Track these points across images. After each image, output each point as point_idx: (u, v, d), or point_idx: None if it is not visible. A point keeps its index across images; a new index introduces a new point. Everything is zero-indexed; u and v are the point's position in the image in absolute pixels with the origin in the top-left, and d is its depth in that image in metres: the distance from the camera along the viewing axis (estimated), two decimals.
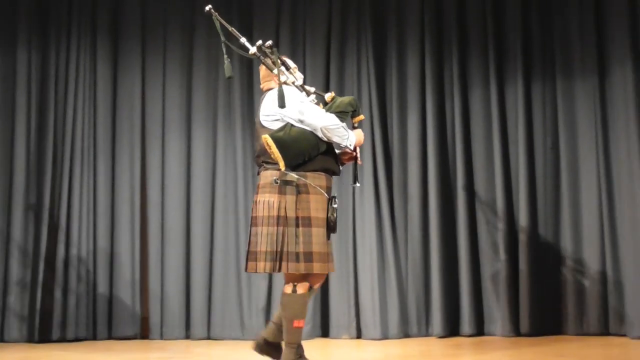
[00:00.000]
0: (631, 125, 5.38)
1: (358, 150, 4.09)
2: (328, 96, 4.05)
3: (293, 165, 3.80)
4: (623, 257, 5.42)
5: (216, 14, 3.88)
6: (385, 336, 5.64)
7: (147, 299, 5.98)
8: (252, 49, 3.88)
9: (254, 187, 5.82)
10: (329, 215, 3.85)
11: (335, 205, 3.86)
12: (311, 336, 5.69)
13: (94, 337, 5.83)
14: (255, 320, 5.82)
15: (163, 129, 6.11)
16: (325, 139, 3.87)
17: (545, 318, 5.57)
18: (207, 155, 6.07)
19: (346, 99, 4.05)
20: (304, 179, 3.81)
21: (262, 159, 3.92)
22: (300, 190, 3.80)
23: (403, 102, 5.92)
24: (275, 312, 4.11)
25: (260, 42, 3.91)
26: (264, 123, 3.88)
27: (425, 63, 5.89)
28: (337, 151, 4.04)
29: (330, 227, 3.86)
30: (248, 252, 3.91)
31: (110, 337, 5.87)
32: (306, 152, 3.82)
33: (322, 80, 5.97)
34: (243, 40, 3.91)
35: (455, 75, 5.86)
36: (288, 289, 3.86)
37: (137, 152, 6.07)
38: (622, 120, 5.46)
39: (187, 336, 5.89)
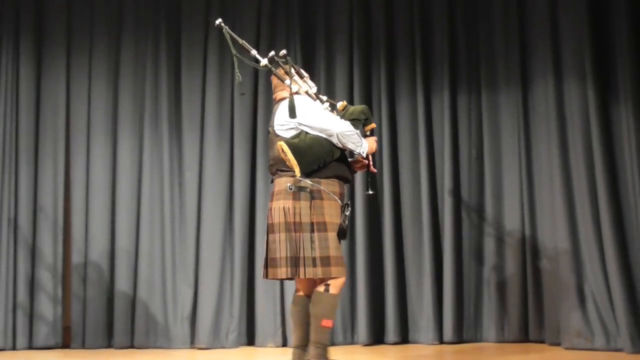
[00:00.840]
0: (552, 136, 5.53)
1: (371, 158, 4.16)
2: (340, 105, 4.15)
3: (308, 171, 3.86)
4: (543, 265, 5.58)
5: (226, 27, 3.93)
6: None
7: (69, 308, 5.92)
8: (264, 61, 3.94)
9: (180, 192, 5.96)
10: (340, 221, 3.91)
11: (347, 212, 3.93)
12: (237, 344, 5.74)
13: (14, 347, 5.74)
14: (180, 328, 5.82)
15: (88, 133, 6.04)
16: (340, 146, 3.95)
17: (467, 326, 5.74)
18: (133, 160, 6.03)
19: (359, 107, 4.16)
20: (317, 185, 3.88)
21: (276, 167, 3.99)
22: (314, 196, 3.87)
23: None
24: (293, 336, 4.10)
25: (272, 53, 3.98)
26: (279, 132, 3.94)
27: (353, 73, 5.97)
28: (349, 159, 4.12)
29: (341, 233, 3.92)
30: (267, 259, 3.97)
31: (30, 347, 5.79)
32: (321, 159, 3.89)
33: (251, 88, 5.99)
34: (254, 52, 3.97)
35: (382, 85, 5.95)
36: (320, 288, 3.93)
37: (60, 157, 6.00)
38: (543, 131, 5.62)
39: (110, 345, 5.84)
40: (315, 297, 3.93)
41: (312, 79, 5.75)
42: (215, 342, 5.76)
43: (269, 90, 5.85)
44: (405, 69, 5.99)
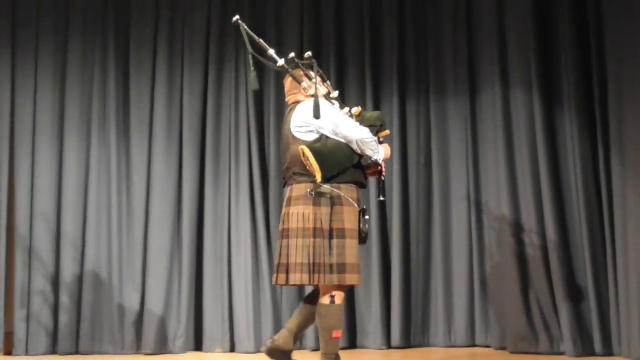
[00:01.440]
0: (499, 143, 5.63)
1: (383, 164, 4.19)
2: (355, 110, 4.14)
3: (328, 176, 3.87)
4: (489, 270, 5.68)
5: (244, 24, 3.89)
6: (258, 349, 5.66)
7: (11, 314, 5.82)
8: (280, 61, 3.92)
9: (128, 196, 5.92)
10: (360, 226, 3.92)
11: (367, 217, 3.95)
12: (184, 350, 5.74)
13: None
14: (127, 333, 5.79)
15: (33, 136, 5.95)
16: (358, 152, 3.97)
17: (415, 330, 5.82)
18: (79, 164, 5.97)
19: (374, 113, 4.16)
20: (337, 191, 3.89)
21: (293, 171, 3.97)
22: (334, 202, 3.87)
23: (280, 115, 5.95)
24: (291, 319, 4.15)
25: (292, 54, 3.99)
26: (297, 134, 3.93)
27: None
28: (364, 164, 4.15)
29: (362, 238, 3.94)
30: (278, 264, 3.95)
31: None
32: (341, 164, 3.91)
33: (200, 90, 6.01)
34: (271, 51, 3.94)
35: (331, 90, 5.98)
36: (325, 299, 3.91)
37: (4, 160, 5.90)
38: (490, 138, 5.73)
39: (54, 351, 5.77)
40: (323, 310, 3.93)
41: (261, 83, 5.92)
42: (162, 348, 5.74)
43: (218, 94, 6.04)
44: (355, 75, 6.05)
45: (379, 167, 4.17)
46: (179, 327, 5.78)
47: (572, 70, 5.40)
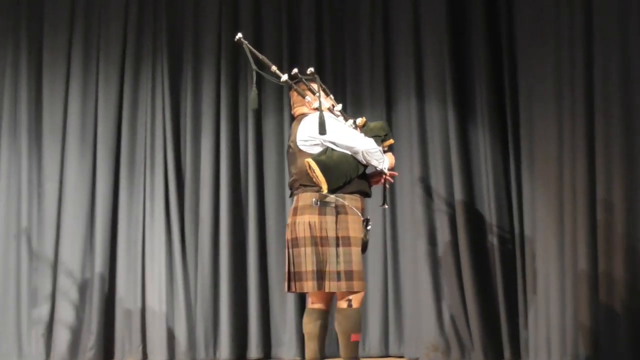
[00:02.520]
0: (414, 154, 5.72)
1: (388, 173, 4.23)
2: (360, 121, 4.20)
3: (335, 187, 3.93)
4: (403, 281, 5.78)
5: (246, 42, 3.94)
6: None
7: None
8: (284, 77, 4.00)
9: (39, 204, 5.86)
10: (362, 235, 3.99)
11: (369, 227, 4.01)
12: None
13: None
14: (35, 346, 5.74)
15: None
16: (364, 162, 4.03)
17: (329, 341, 5.66)
18: None
19: (378, 123, 4.25)
20: (342, 200, 3.95)
21: (299, 182, 4.03)
22: (339, 211, 3.94)
23: (197, 126, 6.03)
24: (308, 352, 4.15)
25: (295, 70, 4.05)
26: (303, 148, 3.99)
27: (221, 88, 6.02)
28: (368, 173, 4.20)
29: (364, 247, 4.00)
30: (292, 272, 4.02)
31: None
32: (347, 175, 3.97)
33: (116, 97, 6.01)
34: (274, 68, 4.01)
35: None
36: (343, 304, 3.99)
37: None
38: (406, 148, 5.79)
39: None
40: (341, 314, 4.02)
41: (178, 95, 5.95)
42: (73, 359, 5.70)
43: (134, 102, 6.02)
44: (272, 85, 5.81)
45: (383, 176, 4.24)
46: (90, 338, 5.72)
47: (485, 85, 5.57)
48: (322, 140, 3.97)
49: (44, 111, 5.98)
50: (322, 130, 3.86)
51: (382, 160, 4.12)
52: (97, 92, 5.99)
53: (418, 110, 5.79)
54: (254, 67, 3.91)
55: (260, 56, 4.03)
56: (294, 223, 4.01)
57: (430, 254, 5.66)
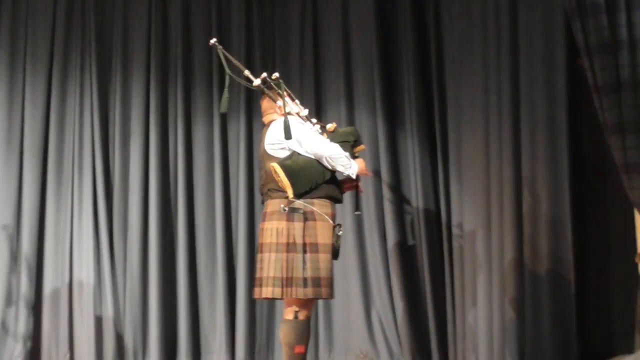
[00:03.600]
0: None
1: (360, 178, 4.30)
2: (330, 127, 4.26)
3: (301, 192, 3.97)
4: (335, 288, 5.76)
5: (221, 47, 4.01)
6: None
7: None
8: (257, 81, 4.06)
9: None
10: (333, 241, 4.03)
11: (340, 233, 4.06)
12: None
13: None
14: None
15: None
16: (329, 168, 4.06)
17: (260, 348, 5.93)
18: None
19: (348, 129, 4.33)
20: (310, 207, 3.98)
21: (267, 187, 4.07)
22: (307, 217, 3.97)
23: (126, 131, 6.03)
24: None
25: (265, 74, 4.10)
26: (270, 152, 4.04)
27: (150, 92, 6.02)
28: (340, 179, 4.23)
29: (334, 253, 4.05)
30: (256, 278, 4.07)
31: None
32: (313, 180, 4.01)
33: (43, 99, 5.97)
34: (247, 72, 4.09)
35: (179, 107, 6.04)
36: (289, 314, 4.02)
37: None
38: None
39: None
40: (287, 325, 4.05)
41: (107, 99, 5.96)
42: None
43: (62, 105, 6.02)
44: (202, 91, 6.14)
45: (355, 182, 4.29)
46: (16, 347, 5.69)
47: (414, 92, 5.69)
48: (288, 145, 4.03)
49: None
50: (288, 134, 3.93)
51: (348, 166, 4.15)
52: (23, 94, 5.96)
53: (348, 117, 5.90)
54: (227, 71, 3.99)
55: (234, 60, 4.12)
56: (262, 229, 4.07)
57: (359, 260, 5.78)
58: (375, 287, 5.70)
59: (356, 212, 4.59)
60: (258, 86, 4.11)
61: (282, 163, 4.00)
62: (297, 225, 3.99)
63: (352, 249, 5.76)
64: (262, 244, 4.07)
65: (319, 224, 4.03)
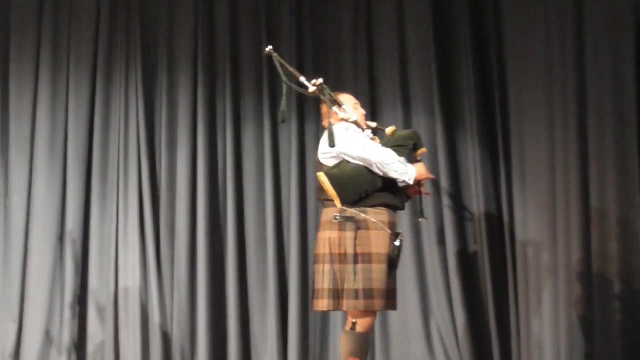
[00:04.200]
0: None
1: (425, 183, 4.28)
2: (389, 130, 4.24)
3: (350, 202, 3.97)
4: None
5: (277, 55, 4.00)
6: None
7: None
8: (312, 88, 4.02)
9: (5, 217, 5.88)
10: (389, 251, 3.99)
11: (397, 243, 3.99)
12: None
13: None
14: None
15: None
16: (381, 174, 4.01)
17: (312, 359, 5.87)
18: None
19: (405, 132, 4.27)
20: (364, 215, 3.96)
21: (322, 197, 4.08)
22: (359, 226, 3.95)
23: (173, 136, 6.03)
24: None
25: (321, 80, 4.06)
26: (322, 160, 4.06)
27: (198, 96, 6.01)
28: (402, 185, 4.18)
29: (391, 263, 4.01)
30: (313, 290, 4.10)
31: None
32: (362, 189, 3.99)
33: (87, 105, 6.00)
34: (302, 79, 4.04)
35: (228, 110, 6.00)
36: (348, 325, 4.01)
37: None
38: None
39: None
40: (344, 336, 4.05)
41: (152, 104, 6.00)
42: None
43: (107, 110, 6.04)
44: (252, 94, 6.10)
45: (418, 187, 4.24)
46: (60, 357, 5.72)
47: (474, 93, 5.62)
48: (337, 153, 4.02)
49: (10, 120, 5.98)
50: (332, 142, 3.91)
51: (403, 172, 4.10)
52: (67, 100, 5.96)
53: (404, 119, 5.82)
54: (284, 79, 3.95)
55: (290, 68, 4.07)
56: (318, 239, 4.08)
57: (417, 268, 5.72)
58: (434, 296, 5.64)
59: (420, 219, 4.50)
60: (313, 93, 4.07)
61: (329, 172, 4.01)
62: (349, 235, 3.97)
63: (410, 257, 5.68)
64: (317, 255, 4.08)
65: (372, 232, 4.01)
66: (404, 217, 5.47)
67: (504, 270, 5.44)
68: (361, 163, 4.02)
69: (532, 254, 5.23)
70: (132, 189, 5.91)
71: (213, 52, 6.11)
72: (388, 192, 4.11)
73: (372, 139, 4.19)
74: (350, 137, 4.06)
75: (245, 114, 6.08)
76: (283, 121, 4.07)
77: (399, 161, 4.07)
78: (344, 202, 3.97)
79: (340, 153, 4.02)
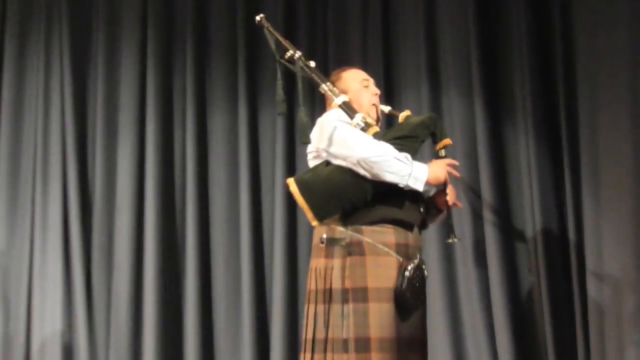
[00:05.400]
0: (425, 161, 5.28)
1: (452, 191, 3.77)
2: (402, 116, 3.88)
3: (327, 216, 3.57)
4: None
5: (269, 24, 3.80)
6: None
7: None
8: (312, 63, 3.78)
9: None
10: (397, 284, 3.55)
11: (407, 273, 3.52)
12: None
13: None
14: None
15: None
16: (371, 178, 3.59)
17: None
18: None
19: (418, 118, 3.85)
20: (358, 235, 3.54)
21: None
22: (351, 250, 3.54)
23: (111, 127, 5.68)
24: None
25: (299, 53, 3.81)
26: (310, 163, 3.82)
27: (147, 70, 5.66)
28: (426, 191, 3.76)
29: (400, 302, 3.54)
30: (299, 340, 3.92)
31: None
32: (344, 199, 3.55)
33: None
34: (298, 54, 3.76)
35: (189, 91, 5.64)
36: None
37: None
38: None
39: None
40: None
41: (85, 76, 5.75)
42: None
43: (17, 93, 5.77)
44: (221, 71, 5.73)
45: (443, 194, 3.80)
46: None
47: (529, 73, 5.12)
48: (316, 149, 3.71)
49: None
50: (301, 135, 3.62)
51: (405, 173, 3.56)
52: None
53: (431, 103, 5.36)
54: (277, 58, 3.74)
55: (284, 41, 3.78)
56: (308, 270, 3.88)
57: (448, 306, 5.26)
58: (472, 345, 5.17)
59: (448, 240, 3.84)
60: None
61: (299, 177, 3.66)
62: (336, 263, 3.56)
63: (438, 291, 5.22)
64: (306, 292, 3.74)
65: (369, 259, 3.52)
66: (430, 235, 5.10)
67: (570, 313, 4.94)
68: (343, 163, 3.60)
69: (609, 292, 4.75)
70: (52, 200, 5.64)
71: (169, 6, 5.81)
72: (394, 202, 3.63)
73: (362, 128, 3.72)
74: (328, 127, 3.69)
75: (213, 97, 5.73)
76: (281, 114, 3.76)
77: (396, 158, 3.55)
78: (320, 218, 3.55)
79: (321, 150, 3.68)
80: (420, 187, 3.57)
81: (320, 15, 5.77)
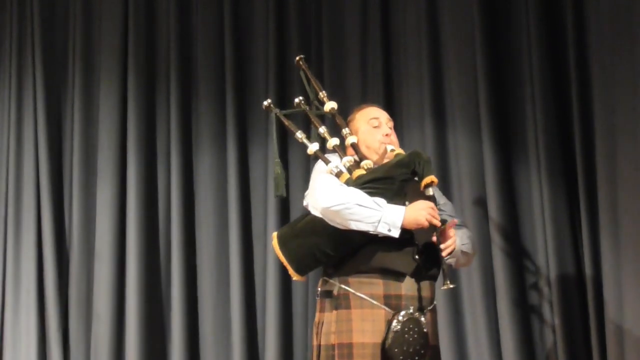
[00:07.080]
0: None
1: (452, 231, 3.66)
2: (390, 152, 3.85)
3: (307, 270, 3.66)
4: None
5: (305, 66, 3.89)
6: None
7: None
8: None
9: None
10: (384, 340, 3.47)
11: (394, 326, 3.45)
12: None
13: None
14: None
15: None
16: (338, 226, 3.56)
17: None
18: None
19: (395, 158, 3.74)
20: (345, 287, 3.54)
21: None
22: (338, 304, 3.54)
23: (89, 166, 5.69)
24: None
25: (268, 101, 3.92)
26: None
27: (128, 104, 5.62)
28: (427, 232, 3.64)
29: (389, 356, 3.45)
30: None
31: None
32: (319, 250, 3.57)
33: None
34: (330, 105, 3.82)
35: (173, 127, 5.64)
36: None
37: None
38: None
39: None
40: None
41: (59, 109, 5.76)
42: None
43: None
44: (209, 104, 5.68)
45: (433, 233, 3.68)
46: None
47: (541, 105, 5.12)
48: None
49: None
50: (276, 188, 3.79)
51: (374, 220, 3.48)
52: None
53: (437, 139, 5.40)
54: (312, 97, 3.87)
55: (314, 81, 3.90)
56: None
57: (454, 349, 5.25)
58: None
59: (443, 287, 3.71)
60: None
61: (280, 231, 3.75)
62: (326, 318, 3.58)
63: (445, 334, 5.11)
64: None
65: (355, 313, 3.51)
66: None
67: (588, 357, 4.95)
68: (317, 213, 3.64)
69: (631, 336, 4.72)
70: (25, 246, 5.64)
71: (151, 37, 5.77)
72: (382, 250, 3.55)
73: (340, 173, 3.71)
74: (312, 177, 3.76)
75: (199, 134, 5.70)
76: (278, 196, 3.86)
77: (360, 205, 3.48)
78: (300, 272, 3.62)
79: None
80: (395, 233, 3.47)
81: (315, 40, 5.73)
